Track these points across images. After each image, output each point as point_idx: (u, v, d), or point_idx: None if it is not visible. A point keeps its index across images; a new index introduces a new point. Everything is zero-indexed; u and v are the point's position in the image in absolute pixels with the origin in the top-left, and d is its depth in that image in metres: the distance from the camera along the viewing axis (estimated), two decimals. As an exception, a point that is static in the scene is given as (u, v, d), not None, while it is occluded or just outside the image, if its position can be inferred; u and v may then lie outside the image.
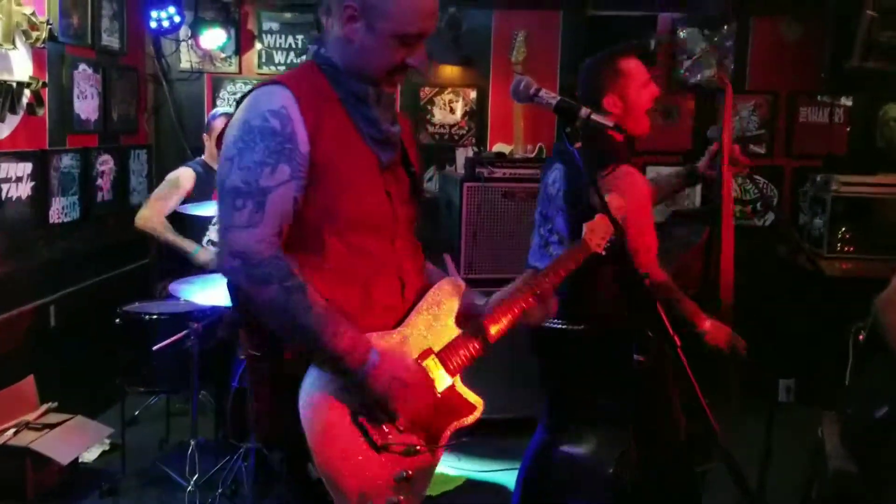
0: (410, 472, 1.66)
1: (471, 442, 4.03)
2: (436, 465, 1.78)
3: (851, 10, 4.37)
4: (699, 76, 2.91)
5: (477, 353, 1.89)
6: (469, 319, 1.88)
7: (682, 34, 2.83)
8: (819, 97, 4.97)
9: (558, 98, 1.81)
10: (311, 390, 1.60)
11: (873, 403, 2.58)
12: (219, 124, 3.99)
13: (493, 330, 1.90)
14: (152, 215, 3.86)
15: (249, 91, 1.68)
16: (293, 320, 1.56)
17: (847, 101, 4.98)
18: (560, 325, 2.65)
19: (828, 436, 3.08)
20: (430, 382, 1.74)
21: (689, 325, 2.55)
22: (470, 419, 1.86)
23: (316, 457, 1.57)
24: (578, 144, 1.77)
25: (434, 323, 1.81)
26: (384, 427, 1.65)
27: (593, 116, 1.77)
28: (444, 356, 1.81)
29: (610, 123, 1.82)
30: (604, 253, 2.08)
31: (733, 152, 2.84)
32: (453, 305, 1.86)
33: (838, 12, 4.54)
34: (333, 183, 1.65)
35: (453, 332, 1.85)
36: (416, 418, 1.69)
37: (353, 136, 1.69)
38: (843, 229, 4.39)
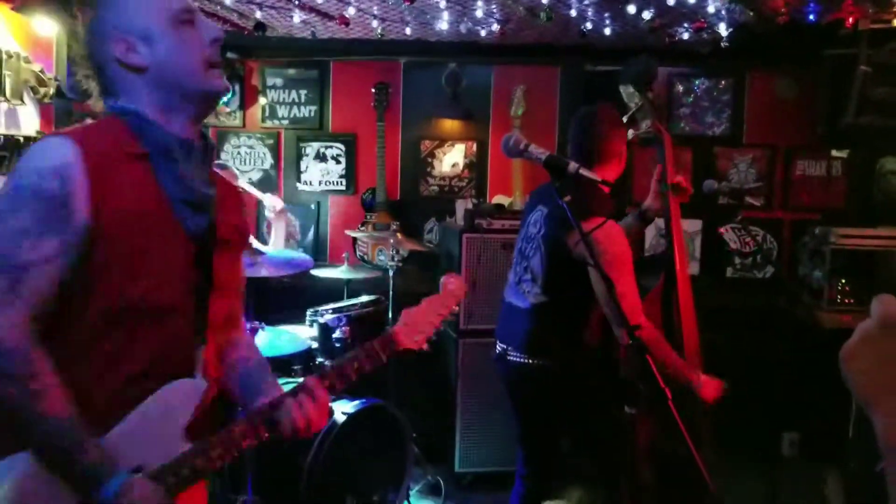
0: None
1: (472, 495, 4.02)
2: None
3: (846, 65, 4.45)
4: (640, 129, 3.03)
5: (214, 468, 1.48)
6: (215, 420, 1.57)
7: (622, 90, 2.97)
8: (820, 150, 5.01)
9: (547, 153, 1.85)
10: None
11: (875, 457, 2.56)
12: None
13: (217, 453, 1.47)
14: None
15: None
16: (30, 426, 1.32)
17: (842, 154, 5.02)
18: (526, 360, 2.74)
19: (832, 492, 3.05)
20: None
21: (683, 380, 2.56)
22: None
23: None
24: (568, 198, 1.81)
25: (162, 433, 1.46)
26: None
27: (581, 171, 1.80)
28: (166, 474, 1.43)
29: (598, 178, 1.85)
30: (426, 348, 1.70)
31: (679, 182, 2.95)
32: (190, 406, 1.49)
33: (833, 68, 4.62)
34: (118, 259, 1.39)
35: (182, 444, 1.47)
36: None
37: (152, 197, 1.44)
38: (843, 281, 4.39)
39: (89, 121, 3.90)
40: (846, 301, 4.36)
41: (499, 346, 2.90)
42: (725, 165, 5.05)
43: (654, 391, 1.72)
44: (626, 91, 2.91)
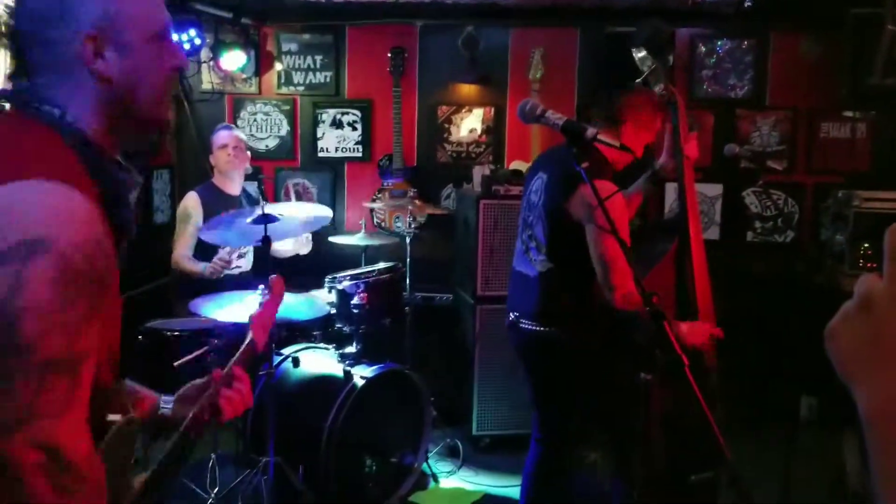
0: None
1: (489, 457, 4.06)
2: None
3: (872, 25, 4.35)
4: (654, 83, 2.99)
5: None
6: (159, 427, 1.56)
7: (635, 55, 2.93)
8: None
9: (564, 119, 1.83)
10: None
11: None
12: (226, 136, 4.04)
13: None
14: (178, 258, 3.97)
15: (15, 170, 1.10)
16: None
17: (869, 117, 4.93)
18: (537, 328, 2.75)
19: (849, 458, 3.05)
20: None
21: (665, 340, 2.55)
22: None
23: None
24: (586, 164, 1.79)
25: None
26: None
27: (599, 136, 1.78)
28: None
29: (616, 143, 1.83)
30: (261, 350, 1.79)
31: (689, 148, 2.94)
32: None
33: (858, 28, 4.52)
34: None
35: None
36: None
37: (111, 250, 1.18)
38: (866, 245, 4.34)
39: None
40: (869, 265, 4.32)
41: (511, 315, 2.91)
42: (748, 128, 4.98)
43: (670, 358, 1.72)
44: (639, 55, 2.88)
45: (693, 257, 2.77)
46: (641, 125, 2.85)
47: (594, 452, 3.69)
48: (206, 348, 3.18)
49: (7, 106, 1.25)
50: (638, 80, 2.92)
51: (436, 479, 3.82)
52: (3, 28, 1.24)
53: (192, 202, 4.02)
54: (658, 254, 2.72)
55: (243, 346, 1.75)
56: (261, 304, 1.89)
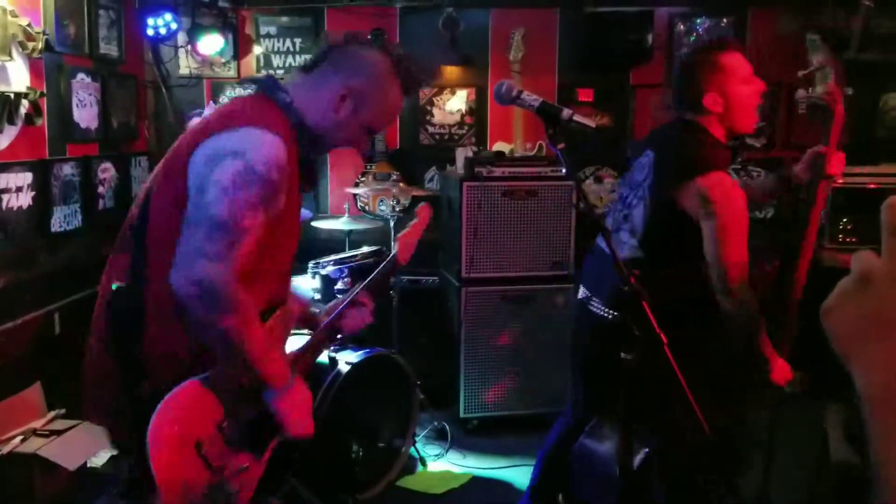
0: (233, 489, 1.83)
1: (477, 439, 4.07)
2: (258, 473, 1.96)
3: (849, 1, 4.36)
4: (812, 92, 2.77)
5: (307, 371, 2.09)
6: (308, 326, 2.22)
7: (809, 39, 2.65)
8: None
9: (540, 100, 1.82)
10: (170, 402, 1.70)
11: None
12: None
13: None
14: None
15: (234, 126, 1.74)
16: (241, 348, 1.70)
17: (847, 91, 4.95)
18: (608, 314, 2.56)
19: (832, 428, 3.09)
20: (309, 413, 1.93)
21: (759, 356, 2.43)
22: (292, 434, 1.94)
23: (153, 465, 1.68)
24: (562, 146, 1.78)
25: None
26: (224, 449, 1.80)
27: (575, 118, 1.77)
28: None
29: (592, 125, 1.82)
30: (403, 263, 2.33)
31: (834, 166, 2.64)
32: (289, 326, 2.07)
33: (836, 3, 4.53)
34: (273, 232, 1.78)
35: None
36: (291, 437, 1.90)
37: (296, 190, 1.89)
38: (845, 220, 4.38)
39: (82, 76, 3.85)
40: (848, 240, 4.36)
41: (582, 292, 2.71)
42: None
43: (650, 336, 1.72)
44: (813, 42, 2.64)
45: (795, 284, 2.58)
46: (728, 87, 2.45)
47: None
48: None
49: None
50: (801, 73, 2.72)
51: (424, 463, 3.83)
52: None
53: None
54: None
55: (387, 260, 2.28)
56: (408, 225, 2.37)
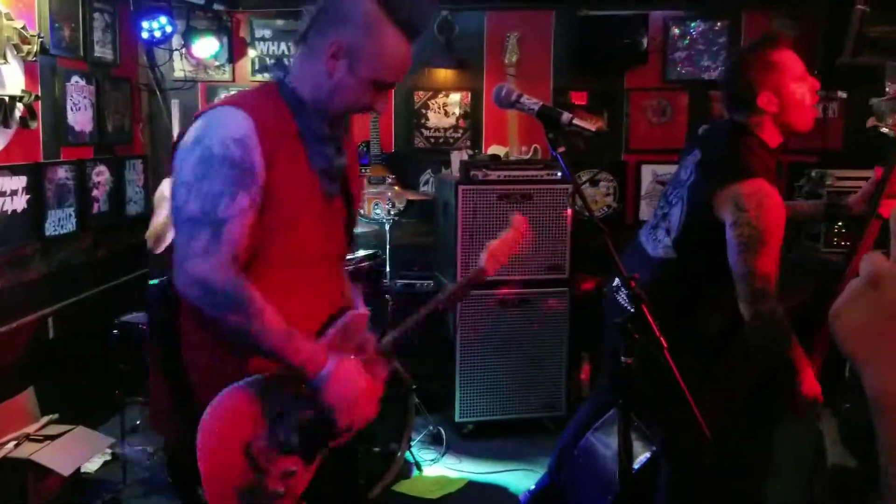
0: (280, 492, 1.74)
1: (472, 444, 4.06)
2: (307, 480, 1.83)
3: (843, 3, 4.37)
4: (882, 122, 2.67)
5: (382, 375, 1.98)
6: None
7: (890, 66, 2.53)
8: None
9: (540, 104, 1.82)
10: (216, 406, 1.66)
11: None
12: None
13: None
14: (156, 231, 3.94)
15: (205, 110, 1.69)
16: (256, 343, 1.63)
17: (842, 95, 4.97)
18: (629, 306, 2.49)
19: (827, 431, 3.09)
20: (375, 397, 1.82)
21: (790, 368, 2.37)
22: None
23: (201, 468, 1.63)
24: (562, 149, 1.78)
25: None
26: (272, 453, 1.72)
27: (575, 122, 1.76)
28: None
29: (592, 128, 1.81)
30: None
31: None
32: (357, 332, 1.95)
33: (830, 6, 4.54)
34: (275, 214, 1.68)
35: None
36: (351, 428, 1.78)
37: (304, 168, 1.74)
38: (840, 224, 4.38)
39: (76, 79, 3.84)
40: (843, 243, 4.36)
41: (615, 281, 2.67)
42: (721, 110, 4.97)
43: (651, 341, 1.72)
44: (893, 69, 2.58)
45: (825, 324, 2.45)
46: (783, 85, 2.38)
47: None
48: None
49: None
50: (875, 100, 2.62)
51: (419, 468, 3.82)
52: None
53: (168, 186, 4.00)
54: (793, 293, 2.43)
55: (472, 271, 2.16)
56: (498, 235, 2.20)
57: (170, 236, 3.97)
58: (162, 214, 3.91)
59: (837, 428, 2.95)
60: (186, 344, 1.73)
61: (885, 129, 2.55)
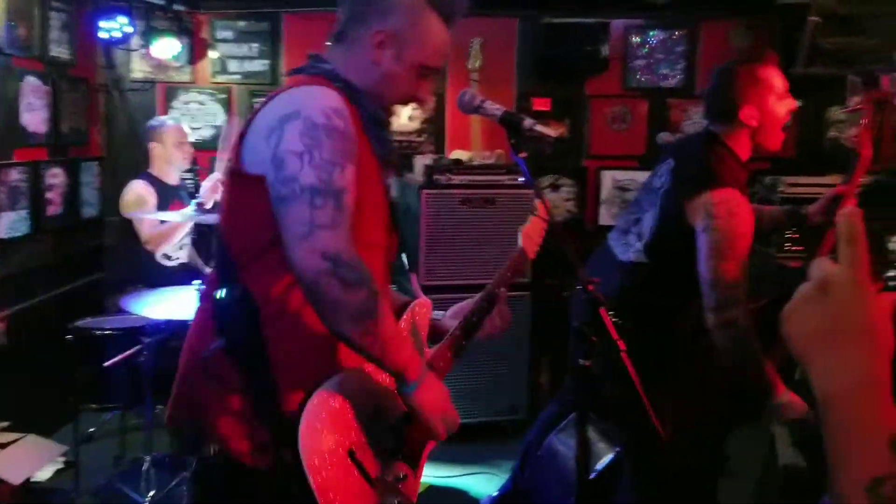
0: (401, 500, 1.66)
1: (434, 449, 4.06)
2: (418, 486, 1.80)
3: (797, 15, 4.48)
4: (841, 133, 2.74)
5: (446, 371, 1.90)
6: (434, 336, 1.95)
7: (850, 80, 2.61)
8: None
9: (503, 110, 1.83)
10: (311, 419, 1.53)
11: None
12: (174, 130, 4.03)
13: (456, 349, 1.91)
14: (157, 224, 3.92)
15: (280, 91, 1.62)
16: (375, 326, 1.49)
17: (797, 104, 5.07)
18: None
19: (778, 433, 3.15)
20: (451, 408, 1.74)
21: (763, 389, 2.36)
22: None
23: (313, 482, 1.49)
24: (523, 154, 1.79)
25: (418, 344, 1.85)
26: (376, 459, 1.63)
27: (536, 128, 1.78)
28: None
29: (553, 134, 1.83)
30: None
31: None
32: (426, 324, 1.94)
33: (784, 18, 4.66)
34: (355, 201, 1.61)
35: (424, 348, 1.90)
36: (436, 440, 1.75)
37: (369, 154, 1.68)
38: (792, 230, 4.48)
39: (31, 79, 3.76)
40: (794, 249, 4.46)
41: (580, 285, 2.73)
42: (679, 117, 5.08)
43: (607, 343, 1.74)
44: (854, 84, 2.62)
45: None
46: (766, 102, 2.43)
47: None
48: (138, 347, 3.10)
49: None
50: (840, 111, 2.70)
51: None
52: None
53: (143, 188, 3.99)
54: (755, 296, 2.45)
55: (513, 255, 2.10)
56: (528, 219, 2.16)
57: (177, 235, 3.95)
58: (149, 215, 3.87)
59: (789, 430, 3.01)
60: (275, 350, 1.58)
61: (844, 141, 2.62)
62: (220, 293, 1.62)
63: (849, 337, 0.78)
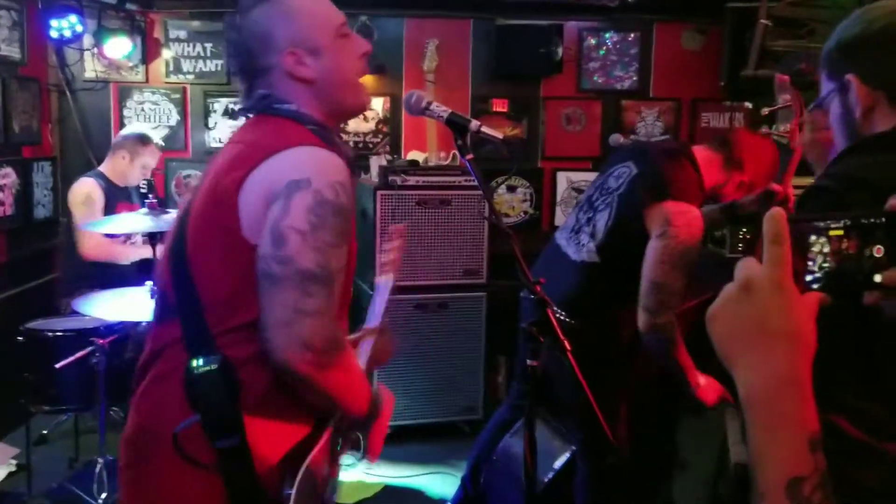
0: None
1: (389, 448, 4.07)
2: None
3: (747, 18, 4.57)
4: (774, 127, 2.84)
5: None
6: None
7: (777, 80, 2.74)
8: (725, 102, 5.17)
9: (449, 111, 1.85)
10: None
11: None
12: (150, 154, 4.06)
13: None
14: (101, 241, 3.84)
15: (284, 147, 1.48)
16: (346, 395, 1.57)
17: (748, 105, 5.19)
18: (558, 315, 2.51)
19: (730, 431, 3.22)
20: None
21: (680, 378, 2.51)
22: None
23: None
24: (470, 156, 1.81)
25: None
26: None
27: (483, 129, 1.80)
28: None
29: (500, 136, 1.85)
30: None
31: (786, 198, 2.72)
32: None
33: (735, 21, 4.75)
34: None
35: None
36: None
37: (353, 195, 1.62)
38: (744, 230, 4.57)
39: None
40: (745, 248, 4.55)
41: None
42: (633, 118, 5.16)
43: (555, 344, 1.77)
44: (782, 82, 2.73)
45: None
46: (757, 179, 2.66)
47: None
48: (90, 349, 3.07)
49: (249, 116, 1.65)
50: (766, 109, 2.80)
51: (336, 472, 3.81)
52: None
53: (91, 188, 3.93)
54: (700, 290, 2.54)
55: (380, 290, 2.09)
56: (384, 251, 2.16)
57: (123, 258, 3.91)
58: (95, 217, 3.81)
59: (740, 427, 3.08)
60: (252, 425, 1.48)
61: (776, 137, 2.73)
62: (196, 364, 1.46)
63: (770, 337, 0.78)
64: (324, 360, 1.44)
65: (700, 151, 2.67)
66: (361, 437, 1.82)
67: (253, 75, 1.61)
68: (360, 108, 1.76)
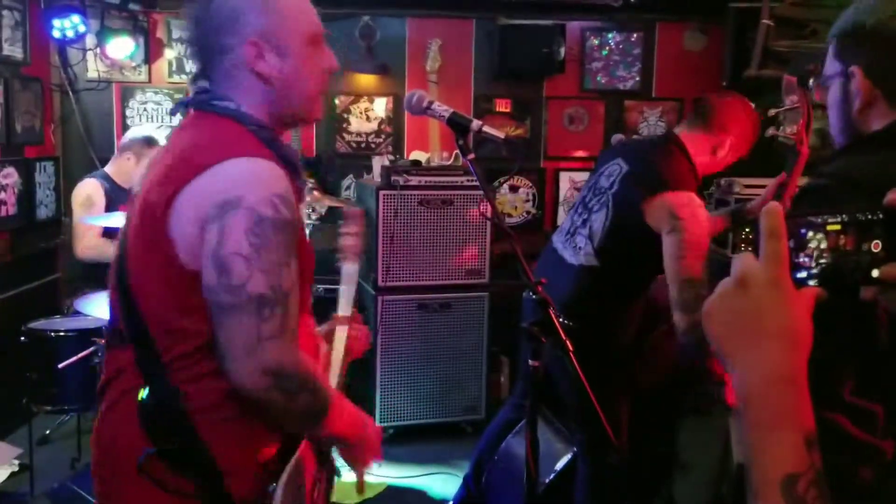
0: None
1: (392, 448, 4.07)
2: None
3: (750, 18, 4.57)
4: (780, 129, 2.83)
5: None
6: None
7: (785, 83, 2.75)
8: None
9: (451, 111, 1.84)
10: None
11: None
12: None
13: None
14: (97, 242, 3.81)
15: (213, 162, 1.38)
16: (318, 417, 1.51)
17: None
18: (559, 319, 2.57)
19: (733, 431, 3.21)
20: None
21: (711, 378, 2.50)
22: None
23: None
24: (471, 156, 1.81)
25: None
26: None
27: (485, 129, 1.79)
28: None
29: (501, 136, 1.84)
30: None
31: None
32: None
33: (737, 21, 4.74)
34: (301, 267, 1.55)
35: None
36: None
37: (296, 203, 1.50)
38: (747, 230, 4.56)
39: None
40: (749, 249, 4.54)
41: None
42: (636, 119, 5.16)
43: (557, 344, 1.77)
44: (789, 83, 2.73)
45: None
46: (742, 140, 2.66)
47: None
48: (92, 348, 3.07)
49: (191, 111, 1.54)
50: (773, 110, 2.81)
51: (338, 474, 3.78)
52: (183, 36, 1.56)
53: (93, 189, 3.91)
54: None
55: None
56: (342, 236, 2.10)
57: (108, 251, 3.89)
58: (94, 221, 3.80)
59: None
60: (218, 448, 1.45)
61: (783, 138, 2.71)
62: (143, 394, 1.43)
63: (766, 333, 0.77)
64: (285, 384, 1.39)
65: (685, 136, 2.64)
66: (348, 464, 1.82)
67: (210, 53, 1.50)
68: (309, 121, 1.66)
